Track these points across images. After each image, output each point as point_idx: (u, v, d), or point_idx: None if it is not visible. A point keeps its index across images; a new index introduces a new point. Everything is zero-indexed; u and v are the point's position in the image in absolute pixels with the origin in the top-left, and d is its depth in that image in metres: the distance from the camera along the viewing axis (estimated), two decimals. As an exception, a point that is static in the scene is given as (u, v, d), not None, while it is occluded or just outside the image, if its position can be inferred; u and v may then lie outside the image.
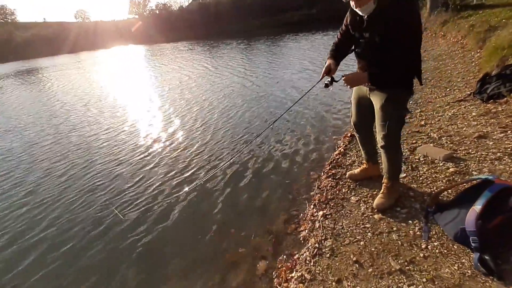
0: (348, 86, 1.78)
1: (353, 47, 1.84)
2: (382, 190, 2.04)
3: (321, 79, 1.93)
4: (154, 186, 3.18)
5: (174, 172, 3.44)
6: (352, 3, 1.60)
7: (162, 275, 2.04)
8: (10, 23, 63.84)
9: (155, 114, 6.05)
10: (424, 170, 2.37)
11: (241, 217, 2.51)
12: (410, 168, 2.41)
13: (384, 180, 2.01)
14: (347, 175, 2.48)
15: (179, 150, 4.00)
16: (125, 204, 2.91)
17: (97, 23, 58.51)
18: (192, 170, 3.41)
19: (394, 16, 1.49)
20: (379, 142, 1.86)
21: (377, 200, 2.01)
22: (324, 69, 1.89)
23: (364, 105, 1.97)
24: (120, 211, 2.76)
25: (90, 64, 20.72)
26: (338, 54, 1.93)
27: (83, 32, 50.57)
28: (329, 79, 1.87)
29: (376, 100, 1.79)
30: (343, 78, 1.73)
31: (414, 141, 2.85)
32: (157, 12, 56.80)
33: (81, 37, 48.13)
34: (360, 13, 1.62)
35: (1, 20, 65.54)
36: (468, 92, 3.80)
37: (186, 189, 3.00)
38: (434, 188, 2.11)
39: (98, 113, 6.75)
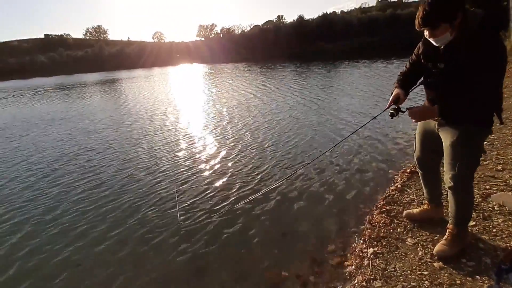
0: (413, 120, 1.65)
1: (422, 78, 1.75)
2: (445, 236, 1.83)
3: (387, 108, 1.84)
4: (208, 198, 3.30)
5: (228, 187, 3.53)
6: (426, 33, 1.51)
7: (201, 285, 2.10)
8: (102, 40, 76.02)
9: (214, 129, 6.43)
10: (499, 221, 2.08)
11: (286, 239, 2.48)
12: (481, 217, 2.14)
13: (449, 226, 1.80)
14: (404, 214, 2.29)
15: (235, 167, 4.11)
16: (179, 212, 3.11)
17: (168, 43, 66.00)
18: (246, 187, 3.48)
19: (474, 48, 1.39)
20: (447, 182, 1.68)
21: (439, 247, 1.81)
22: (391, 97, 1.82)
23: (430, 140, 1.83)
24: (175, 218, 2.93)
25: (159, 78, 23.24)
26: (406, 83, 1.84)
27: (157, 50, 57.42)
28: (396, 108, 1.77)
29: (446, 137, 1.65)
30: (408, 110, 1.62)
31: (487, 187, 2.53)
32: (221, 35, 61.81)
33: (154, 55, 54.65)
34: (434, 43, 1.53)
35: (96, 37, 78.57)
36: (561, 138, 3.27)
37: (238, 204, 3.07)
38: (511, 243, 1.83)
39: (161, 123, 7.45)
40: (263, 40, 48.38)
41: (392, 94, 1.83)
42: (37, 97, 16.25)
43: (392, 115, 1.77)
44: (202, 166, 4.28)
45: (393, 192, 2.77)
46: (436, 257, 1.80)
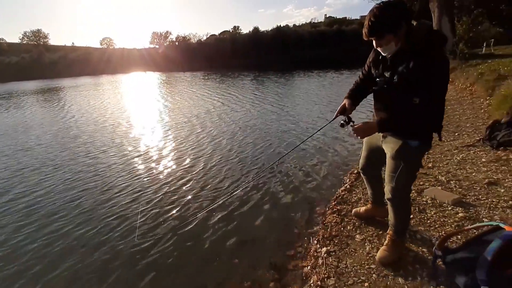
0: (358, 137, 1.62)
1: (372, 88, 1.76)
2: (386, 242, 1.89)
3: (334, 118, 1.89)
4: (161, 210, 3.16)
5: (180, 198, 3.42)
6: (374, 43, 1.50)
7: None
8: (42, 45, 68.86)
9: (162, 139, 6.18)
10: (432, 213, 2.32)
11: (244, 247, 2.45)
12: (417, 210, 2.37)
13: (389, 232, 1.88)
14: (352, 212, 2.43)
15: (187, 176, 4.01)
16: (133, 226, 2.89)
17: (119, 50, 62.38)
18: (199, 198, 3.39)
19: (420, 61, 1.39)
20: (386, 193, 1.74)
21: (381, 253, 1.87)
22: (338, 108, 1.85)
23: (375, 150, 1.88)
24: (131, 233, 2.73)
25: (108, 87, 21.71)
26: (356, 94, 1.87)
27: (106, 57, 53.79)
28: (346, 119, 1.78)
29: (388, 148, 1.69)
30: (352, 127, 1.63)
31: (421, 183, 2.82)
32: (177, 43, 60.54)
33: (104, 61, 51.11)
34: (382, 53, 1.54)
35: (35, 42, 70.86)
36: (478, 138, 3.82)
37: (191, 216, 2.97)
38: (442, 232, 2.05)
39: (111, 133, 6.94)
40: (220, 49, 48.60)
41: (341, 103, 1.87)
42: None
43: (342, 125, 1.79)
44: (160, 178, 4.06)
45: (343, 193, 2.93)
46: (378, 262, 1.85)
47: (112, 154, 5.26)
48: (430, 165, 3.20)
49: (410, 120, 1.48)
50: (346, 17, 66.63)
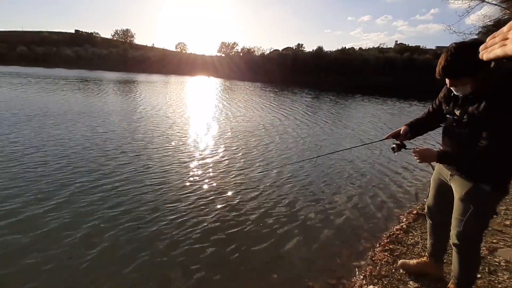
0: (418, 161, 1.60)
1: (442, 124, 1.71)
2: None
3: (384, 139, 1.92)
4: (202, 215, 3.33)
5: (227, 208, 3.54)
6: (447, 81, 1.46)
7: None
8: (128, 42, 79.31)
9: (209, 142, 6.52)
10: (505, 277, 2.04)
11: (285, 264, 2.44)
12: (487, 271, 2.10)
13: (451, 286, 1.72)
14: (399, 263, 2.17)
15: (233, 190, 4.12)
16: (170, 219, 3.11)
17: (190, 55, 68.33)
18: (246, 208, 3.44)
19: (493, 103, 1.31)
20: (452, 238, 1.62)
21: None
22: (393, 131, 1.87)
23: (443, 190, 1.75)
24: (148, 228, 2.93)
25: (174, 85, 23.84)
26: (418, 124, 1.85)
27: (178, 59, 59.42)
28: (398, 144, 1.80)
29: (457, 189, 1.59)
30: (414, 149, 1.61)
31: (495, 241, 2.49)
32: (241, 54, 63.80)
33: (175, 63, 56.53)
34: (455, 92, 1.50)
35: (123, 40, 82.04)
36: None
37: (238, 226, 3.01)
38: (518, 303, 1.78)
39: (166, 128, 7.58)
40: (281, 64, 49.74)
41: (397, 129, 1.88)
42: (56, 86, 16.76)
43: (393, 149, 1.80)
44: (200, 177, 4.30)
45: (397, 232, 2.74)
46: None
47: (172, 150, 5.74)
48: (508, 222, 2.80)
49: (473, 161, 1.41)
50: (419, 46, 62.42)
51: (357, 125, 9.69)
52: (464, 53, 1.31)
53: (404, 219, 3.08)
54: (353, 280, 2.20)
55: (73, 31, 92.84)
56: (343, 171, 4.87)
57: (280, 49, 65.10)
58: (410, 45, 66.07)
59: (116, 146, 5.52)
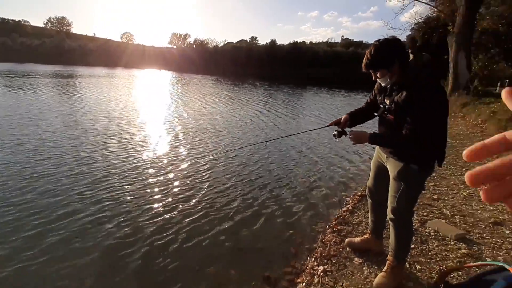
0: (352, 142, 1.75)
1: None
2: (385, 268, 1.87)
3: (327, 126, 2.04)
4: (159, 212, 3.15)
5: (180, 202, 3.42)
6: (373, 75, 1.66)
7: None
8: (64, 32, 70.84)
9: (164, 136, 6.23)
10: (434, 245, 2.29)
11: (240, 257, 2.42)
12: (419, 241, 2.34)
13: (389, 258, 1.87)
14: (345, 242, 2.32)
15: (185, 179, 3.99)
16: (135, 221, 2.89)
17: (138, 46, 63.71)
18: (202, 202, 3.35)
19: (410, 92, 1.50)
20: (388, 214, 1.79)
21: (379, 279, 1.85)
22: (335, 119, 2.00)
23: (381, 171, 1.90)
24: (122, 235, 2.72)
25: (120, 79, 22.08)
26: (357, 113, 1.98)
27: (124, 51, 54.96)
28: (339, 131, 1.91)
29: (391, 169, 1.76)
30: (349, 132, 1.76)
31: (425, 214, 2.79)
32: (194, 46, 61.73)
33: (121, 55, 52.12)
34: (379, 82, 1.70)
35: (58, 29, 72.98)
36: (485, 175, 3.77)
37: (192, 223, 2.92)
38: (443, 266, 2.02)
39: (116, 125, 7.02)
40: (235, 57, 49.29)
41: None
42: (-27, 82, 14.27)
43: (335, 136, 1.92)
44: (164, 175, 4.07)
45: (344, 213, 2.91)
46: None
47: (115, 144, 5.30)
48: (435, 197, 3.17)
49: (398, 142, 1.61)
50: (362, 41, 67.43)
51: (308, 113, 10.12)
52: (380, 49, 1.55)
53: (350, 201, 3.28)
54: (305, 263, 2.27)
55: (-4, 19, 79.69)
56: (291, 157, 5.08)
57: (234, 42, 64.60)
58: (354, 40, 70.92)
59: (52, 154, 4.90)
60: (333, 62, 47.21)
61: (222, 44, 61.74)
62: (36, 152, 4.62)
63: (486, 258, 2.08)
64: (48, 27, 74.88)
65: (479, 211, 2.83)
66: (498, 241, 2.30)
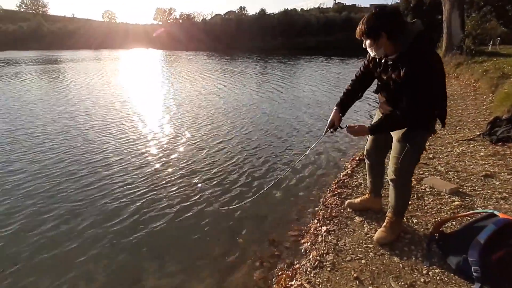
0: (352, 136, 1.81)
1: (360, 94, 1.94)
2: (384, 224, 1.98)
3: (324, 134, 1.99)
4: (165, 186, 3.24)
5: (182, 175, 3.50)
6: (363, 43, 1.62)
7: (160, 269, 2.07)
8: (41, 14, 66.83)
9: (162, 119, 6.20)
10: (430, 200, 2.41)
11: (245, 224, 2.55)
12: (416, 197, 2.46)
13: (388, 214, 1.97)
14: (346, 203, 2.42)
15: (197, 161, 3.99)
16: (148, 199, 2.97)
17: (121, 25, 60.73)
18: (200, 177, 3.45)
19: (408, 67, 1.49)
20: (389, 174, 1.84)
21: (379, 234, 1.96)
22: (328, 123, 1.95)
23: (381, 134, 1.93)
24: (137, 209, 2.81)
25: (107, 61, 21.34)
26: (345, 101, 1.96)
27: (107, 31, 52.35)
28: (335, 128, 1.94)
29: (395, 132, 1.79)
30: (347, 127, 1.78)
31: (421, 172, 2.90)
32: (181, 21, 58.96)
33: (105, 36, 49.70)
34: (370, 53, 1.67)
35: (33, 11, 68.73)
36: (478, 133, 3.88)
37: (196, 195, 3.04)
38: (438, 218, 2.15)
39: (106, 111, 6.93)
40: (225, 30, 47.35)
41: (330, 118, 1.96)
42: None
43: (332, 132, 1.97)
44: (169, 163, 4.11)
45: (344, 177, 3.02)
46: (376, 243, 1.94)
47: (110, 131, 5.28)
48: (430, 156, 3.27)
49: (400, 123, 1.63)
50: (355, 4, 64.87)
51: (305, 84, 9.99)
52: (369, 20, 1.53)
53: (349, 165, 3.39)
54: (309, 225, 2.40)
55: (-38, 3, 74.53)
56: (292, 127, 5.09)
57: (223, 14, 61.72)
58: (347, 4, 68.03)
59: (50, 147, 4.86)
60: (326, 29, 45.69)
61: (210, 17, 59.02)
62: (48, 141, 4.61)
63: (478, 208, 2.21)
64: (22, 9, 70.49)
65: (471, 166, 2.95)
66: (488, 192, 2.43)
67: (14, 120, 5.82)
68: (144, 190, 3.09)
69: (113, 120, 5.83)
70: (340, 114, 1.95)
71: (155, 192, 3.06)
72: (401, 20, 1.55)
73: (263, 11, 51.25)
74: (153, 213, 2.70)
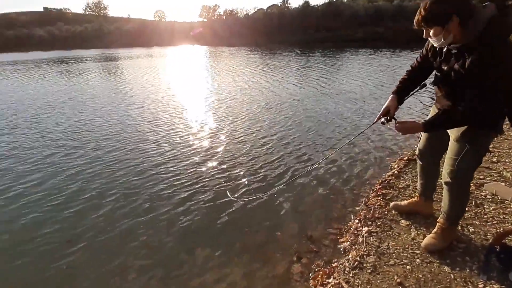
0: (400, 133, 1.62)
1: (418, 87, 1.72)
2: (435, 230, 1.82)
3: (376, 121, 1.84)
4: (211, 177, 3.38)
5: (226, 169, 3.62)
6: (424, 33, 1.44)
7: (202, 256, 2.18)
8: (102, 16, 74.05)
9: (208, 112, 6.44)
10: (491, 208, 2.17)
11: (284, 218, 2.56)
12: (473, 204, 2.23)
13: (440, 220, 1.81)
14: (391, 205, 2.27)
15: (239, 156, 4.00)
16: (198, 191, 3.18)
17: (170, 23, 64.31)
18: (249, 171, 3.51)
19: (477, 58, 1.29)
20: (444, 177, 1.67)
21: (428, 240, 1.81)
22: (382, 110, 1.79)
23: (435, 133, 1.76)
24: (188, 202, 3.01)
25: (158, 58, 22.79)
26: (406, 87, 1.79)
27: (158, 29, 55.99)
28: (387, 118, 1.76)
29: (452, 131, 1.60)
30: (396, 123, 1.61)
31: (481, 177, 2.61)
32: (224, 17, 60.30)
33: (155, 34, 53.28)
34: (433, 43, 1.48)
35: (96, 13, 76.45)
36: (558, 135, 3.33)
37: (238, 186, 3.16)
38: (501, 229, 1.92)
39: (161, 104, 7.43)
40: (267, 24, 47.21)
41: (385, 104, 1.80)
42: (35, 71, 15.97)
43: (383, 123, 1.77)
44: (208, 156, 4.31)
45: (389, 178, 2.84)
46: (424, 250, 1.80)
47: (162, 125, 5.67)
48: (494, 159, 2.91)
49: (462, 120, 1.44)
50: (409, -9, 59.18)
51: (357, 77, 9.55)
52: (435, 3, 1.32)
53: (396, 165, 3.17)
54: (349, 224, 2.33)
55: (42, 9, 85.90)
56: (332, 125, 4.94)
57: (265, 8, 61.53)
58: (399, -9, 62.45)
59: (118, 138, 5.37)
60: (375, 20, 42.74)
61: (252, 12, 59.33)
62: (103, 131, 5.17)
63: (553, 221, 1.92)
64: (87, 12, 78.75)
65: (547, 173, 2.56)
66: None
67: (81, 112, 6.59)
68: (193, 181, 3.24)
69: (164, 113, 6.26)
70: (397, 103, 1.79)
71: (201, 183, 3.22)
72: (470, 1, 1.36)
73: (306, 3, 49.85)
74: (199, 205, 2.83)
